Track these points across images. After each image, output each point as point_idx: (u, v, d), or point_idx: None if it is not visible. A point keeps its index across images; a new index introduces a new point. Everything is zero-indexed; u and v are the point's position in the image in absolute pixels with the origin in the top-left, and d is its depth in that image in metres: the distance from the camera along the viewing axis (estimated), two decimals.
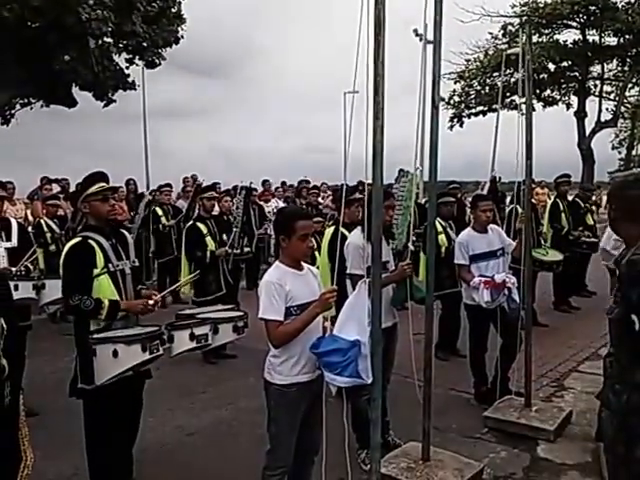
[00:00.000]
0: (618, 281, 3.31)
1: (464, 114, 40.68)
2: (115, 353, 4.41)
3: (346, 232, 6.06)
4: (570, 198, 12.52)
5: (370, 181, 4.24)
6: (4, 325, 3.30)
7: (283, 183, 20.41)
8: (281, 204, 17.18)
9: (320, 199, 16.97)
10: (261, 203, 16.25)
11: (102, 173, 5.13)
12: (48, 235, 10.96)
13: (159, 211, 13.38)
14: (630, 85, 39.25)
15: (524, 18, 34.94)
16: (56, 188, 13.92)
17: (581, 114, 39.11)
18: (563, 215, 11.76)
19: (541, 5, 35.60)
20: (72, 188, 14.69)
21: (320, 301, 4.19)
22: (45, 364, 8.60)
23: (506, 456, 5.98)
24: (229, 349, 8.76)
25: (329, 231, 6.53)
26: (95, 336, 4.58)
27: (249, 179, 12.90)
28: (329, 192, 17.97)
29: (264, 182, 18.25)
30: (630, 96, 41.54)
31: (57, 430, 6.32)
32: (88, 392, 4.77)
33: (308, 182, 18.99)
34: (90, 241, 4.84)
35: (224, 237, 9.49)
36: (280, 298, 4.20)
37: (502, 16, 37.04)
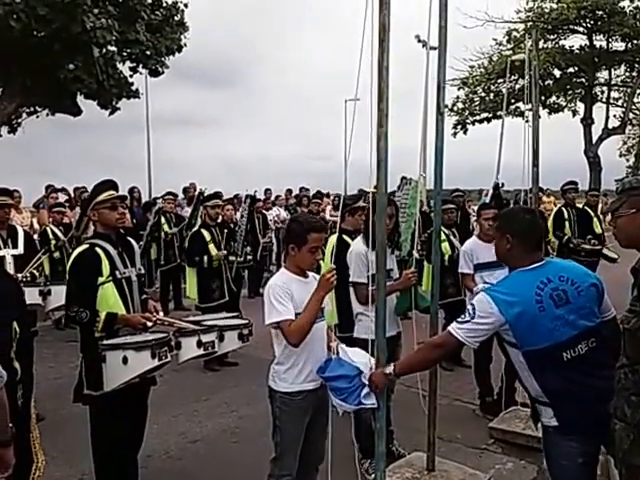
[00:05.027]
0: (637, 290, 3.24)
1: (468, 121, 40.67)
2: (125, 359, 4.41)
3: (349, 240, 6.05)
4: (580, 206, 12.45)
5: (373, 189, 4.21)
6: (17, 329, 3.32)
7: (289, 191, 20.41)
8: (282, 212, 17.23)
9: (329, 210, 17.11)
10: (264, 211, 16.22)
11: (112, 181, 5.13)
12: (53, 242, 10.96)
13: (162, 219, 13.42)
14: (638, 91, 39.15)
15: (529, 24, 34.95)
16: (62, 197, 13.97)
17: (588, 121, 39.09)
18: (567, 223, 11.67)
19: (547, 10, 35.64)
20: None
21: (322, 283, 4.18)
22: (50, 370, 8.66)
23: (512, 467, 5.93)
24: (231, 356, 8.74)
25: (332, 239, 6.51)
26: (105, 342, 4.56)
27: (251, 187, 12.96)
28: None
29: (266, 191, 18.31)
30: (638, 102, 41.50)
31: (63, 435, 6.33)
32: (94, 398, 4.76)
33: (308, 190, 19.11)
34: (97, 249, 4.84)
35: (225, 244, 9.49)
36: (287, 299, 4.18)
37: (506, 22, 37.12)
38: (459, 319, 3.65)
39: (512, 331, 3.53)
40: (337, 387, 4.08)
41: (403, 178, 6.34)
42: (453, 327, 3.64)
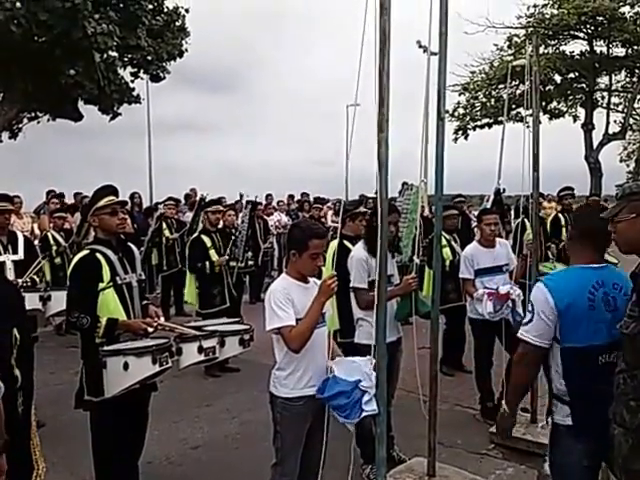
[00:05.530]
0: (636, 295, 3.24)
1: (469, 126, 40.63)
2: (126, 365, 4.41)
3: (350, 245, 6.05)
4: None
5: (374, 194, 4.21)
6: (17, 336, 3.32)
7: (291, 196, 20.44)
8: (284, 217, 17.23)
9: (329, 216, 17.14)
10: (264, 217, 16.25)
11: (112, 187, 5.13)
12: (54, 248, 10.97)
13: (163, 224, 13.49)
14: (639, 97, 39.11)
15: (530, 29, 34.94)
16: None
17: (588, 126, 39.05)
18: (564, 230, 11.62)
19: (547, 16, 35.63)
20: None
21: (323, 289, 4.19)
22: (51, 376, 8.64)
23: (513, 472, 5.93)
24: (232, 362, 8.71)
25: (333, 244, 6.52)
26: (105, 348, 4.57)
27: (253, 193, 13.01)
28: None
29: (267, 196, 18.32)
30: (639, 108, 41.44)
31: (63, 441, 6.32)
32: (95, 404, 4.76)
33: (308, 195, 19.13)
34: (97, 254, 4.84)
35: (228, 250, 9.49)
36: (288, 305, 4.19)
37: (507, 27, 37.09)
38: (524, 322, 3.66)
39: (559, 322, 3.52)
40: (338, 405, 4.08)
41: (404, 184, 6.35)
42: (521, 332, 3.64)
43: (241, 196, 12.70)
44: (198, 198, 12.87)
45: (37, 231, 12.67)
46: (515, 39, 36.82)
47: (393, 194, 6.37)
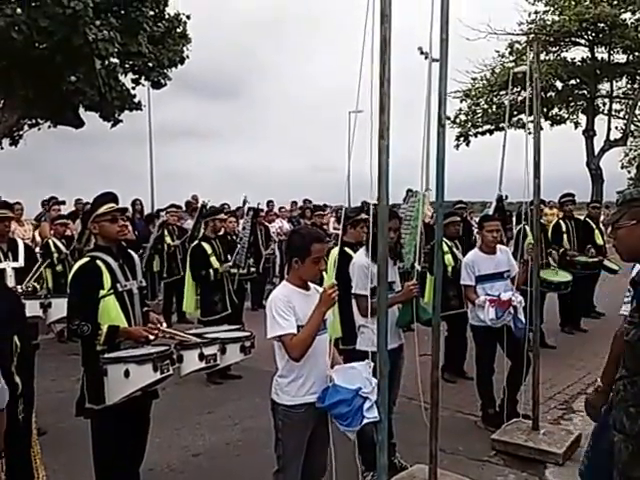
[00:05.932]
0: (637, 301, 3.24)
1: (470, 133, 40.63)
2: (127, 373, 4.40)
3: (351, 252, 6.04)
4: (581, 217, 12.43)
5: (375, 201, 4.20)
6: (18, 343, 3.31)
7: (294, 203, 20.45)
8: (285, 224, 17.21)
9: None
10: (266, 223, 16.23)
11: (112, 194, 5.13)
12: (55, 255, 10.96)
13: (164, 231, 13.49)
14: None
15: (531, 36, 34.94)
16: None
17: (590, 133, 39.05)
18: (565, 236, 11.63)
19: (548, 22, 35.67)
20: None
21: (323, 299, 4.17)
22: (52, 383, 8.64)
23: (514, 479, 5.91)
24: (234, 369, 8.71)
25: (335, 251, 6.51)
26: (106, 356, 4.56)
27: (255, 199, 13.00)
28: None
29: (268, 202, 18.32)
30: None
31: (64, 449, 6.29)
32: (96, 412, 4.75)
33: (310, 202, 19.12)
34: (98, 261, 4.84)
35: (229, 257, 9.51)
36: (289, 313, 4.18)
37: (509, 34, 37.12)
38: (625, 300, 3.62)
39: None
40: (339, 413, 4.08)
41: (409, 191, 6.35)
42: (624, 310, 3.59)
43: (244, 202, 12.69)
44: (200, 205, 12.88)
45: (38, 238, 12.67)
46: (516, 45, 36.83)
47: (395, 201, 6.38)
